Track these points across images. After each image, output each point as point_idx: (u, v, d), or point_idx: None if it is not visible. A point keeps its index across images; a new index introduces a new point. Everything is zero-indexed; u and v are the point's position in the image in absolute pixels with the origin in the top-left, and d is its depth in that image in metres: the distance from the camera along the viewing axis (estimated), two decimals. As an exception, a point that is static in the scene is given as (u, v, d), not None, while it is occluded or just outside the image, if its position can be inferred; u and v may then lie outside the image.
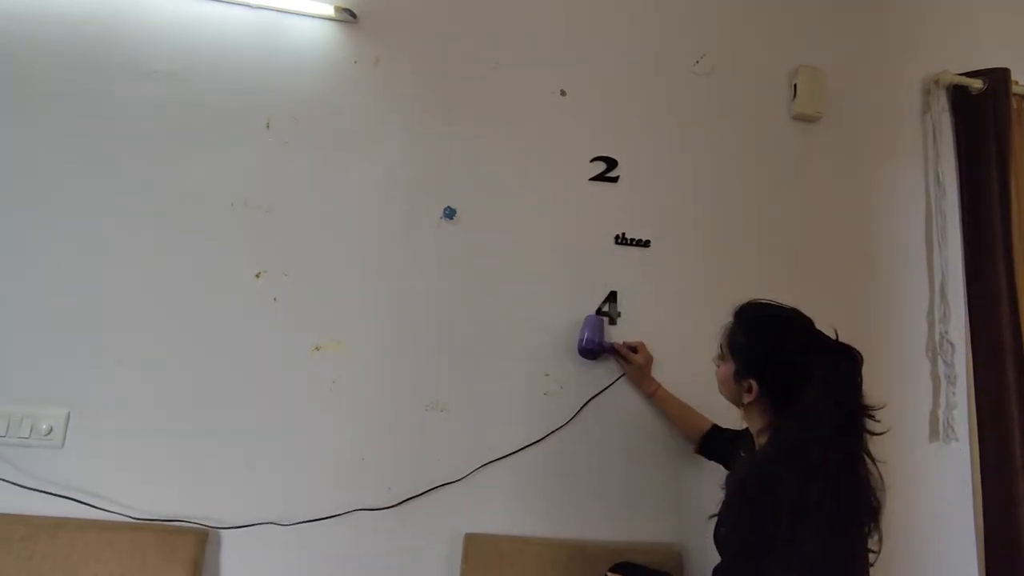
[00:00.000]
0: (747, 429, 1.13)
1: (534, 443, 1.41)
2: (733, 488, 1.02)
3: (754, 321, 1.06)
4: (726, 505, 1.02)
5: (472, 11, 1.56)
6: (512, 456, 1.40)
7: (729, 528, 0.98)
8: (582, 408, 1.43)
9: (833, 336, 1.00)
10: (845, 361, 0.95)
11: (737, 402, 1.07)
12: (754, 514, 0.92)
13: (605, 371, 1.46)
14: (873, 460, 0.93)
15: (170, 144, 1.41)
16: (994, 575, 1.50)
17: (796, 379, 0.94)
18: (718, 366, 1.11)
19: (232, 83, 1.44)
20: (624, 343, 1.43)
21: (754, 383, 1.01)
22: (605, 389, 1.45)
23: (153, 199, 1.39)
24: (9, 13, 1.39)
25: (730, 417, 1.38)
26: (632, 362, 1.41)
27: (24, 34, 1.39)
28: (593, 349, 1.41)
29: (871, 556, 0.93)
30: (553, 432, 1.42)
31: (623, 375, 1.46)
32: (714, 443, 1.34)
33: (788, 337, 1.01)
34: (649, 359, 1.44)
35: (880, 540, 0.92)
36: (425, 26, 1.54)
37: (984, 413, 1.57)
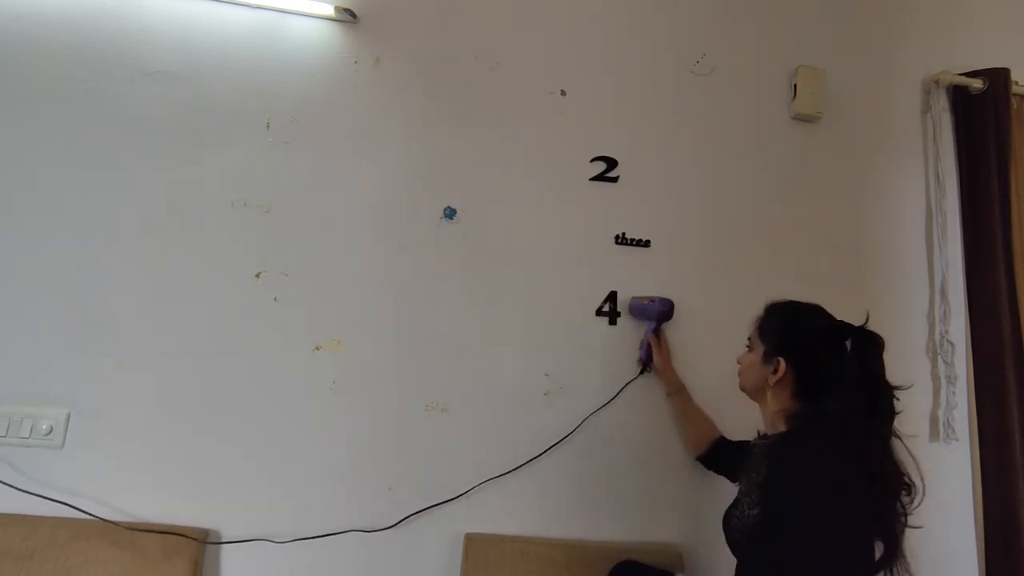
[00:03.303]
0: (747, 441, 1.14)
1: (537, 456, 1.41)
2: (770, 466, 0.99)
3: (784, 309, 1.11)
4: (756, 487, 1.00)
5: (472, 11, 1.56)
6: (512, 458, 1.40)
7: (765, 509, 0.96)
8: (584, 421, 1.43)
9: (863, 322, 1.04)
10: (872, 344, 0.99)
11: (759, 387, 1.09)
12: (794, 492, 0.91)
13: (605, 372, 1.46)
14: (900, 438, 0.98)
15: (170, 144, 1.41)
16: (994, 575, 1.50)
17: (827, 359, 1.00)
18: (741, 362, 1.15)
19: (232, 83, 1.44)
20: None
21: (783, 361, 1.04)
22: (607, 403, 1.44)
23: (153, 199, 1.39)
24: (9, 13, 1.39)
25: (729, 418, 1.39)
26: (661, 349, 1.43)
27: (24, 34, 1.39)
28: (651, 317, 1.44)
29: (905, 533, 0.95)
30: (557, 444, 1.41)
31: (631, 380, 1.46)
32: (718, 453, 1.34)
33: (818, 321, 1.06)
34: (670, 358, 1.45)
35: (906, 515, 0.95)
36: (425, 26, 1.54)
37: (984, 413, 1.57)
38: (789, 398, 1.04)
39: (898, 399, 0.99)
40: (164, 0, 1.45)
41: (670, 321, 1.44)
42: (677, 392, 1.43)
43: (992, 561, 1.51)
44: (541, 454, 1.40)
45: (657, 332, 1.44)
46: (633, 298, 1.47)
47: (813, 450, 0.94)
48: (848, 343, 1.00)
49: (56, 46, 1.40)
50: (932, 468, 1.53)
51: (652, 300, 1.42)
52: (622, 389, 1.45)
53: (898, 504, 0.95)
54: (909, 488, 0.97)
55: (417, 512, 1.35)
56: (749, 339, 1.16)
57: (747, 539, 1.00)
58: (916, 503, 0.97)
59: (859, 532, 0.90)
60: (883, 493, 0.94)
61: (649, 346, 1.43)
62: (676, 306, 1.41)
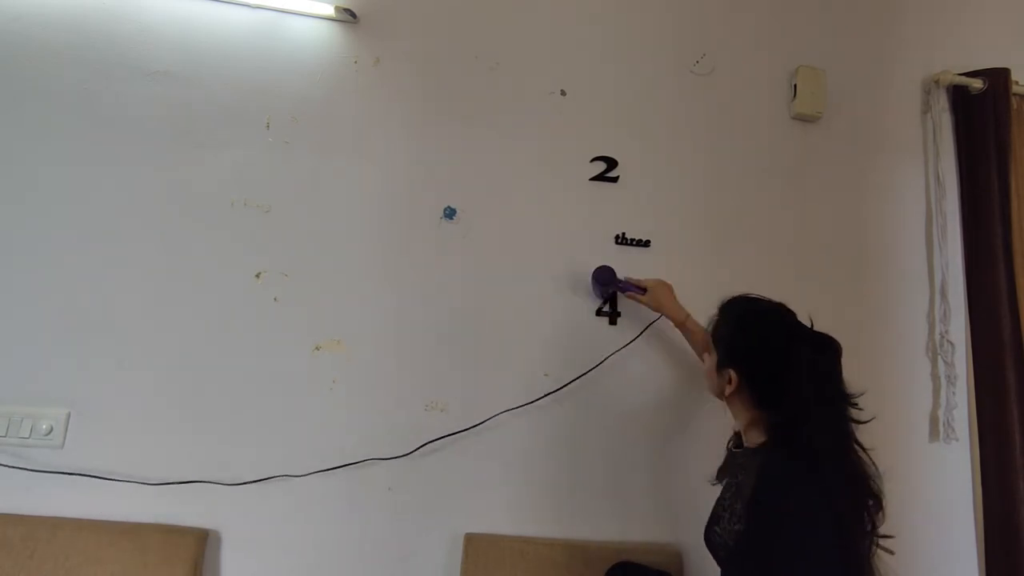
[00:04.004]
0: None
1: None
2: (759, 487, 0.95)
3: (736, 313, 1.07)
4: (741, 501, 0.98)
5: (472, 11, 1.56)
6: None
7: (750, 528, 0.93)
8: (574, 380, 1.42)
9: (809, 325, 1.00)
10: (826, 350, 0.95)
11: (720, 394, 1.06)
12: (773, 524, 0.89)
13: (606, 372, 1.46)
14: (864, 449, 0.93)
15: (170, 144, 1.41)
16: (994, 575, 1.50)
17: (777, 368, 0.95)
18: (705, 361, 1.11)
19: (232, 83, 1.44)
20: (632, 282, 1.41)
21: (734, 373, 1.00)
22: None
23: (153, 199, 1.39)
24: (9, 13, 1.39)
25: (719, 420, 1.39)
26: (641, 302, 1.40)
27: (24, 34, 1.39)
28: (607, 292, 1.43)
29: (886, 542, 0.93)
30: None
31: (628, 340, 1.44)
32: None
33: (769, 328, 1.01)
34: (663, 291, 1.38)
35: (875, 529, 0.92)
36: (425, 26, 1.54)
37: (984, 413, 1.57)
38: (751, 408, 1.00)
39: (860, 408, 0.95)
40: (164, 0, 1.45)
41: (669, 321, 1.44)
42: (683, 323, 1.36)
43: (992, 561, 1.51)
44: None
45: (624, 289, 1.42)
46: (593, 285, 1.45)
47: (801, 477, 0.89)
48: (803, 349, 0.94)
49: (56, 46, 1.40)
50: (932, 468, 1.55)
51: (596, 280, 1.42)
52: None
53: (866, 524, 0.91)
54: (878, 499, 0.92)
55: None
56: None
57: (729, 554, 0.97)
58: (882, 518, 0.93)
59: (849, 560, 0.87)
60: (852, 505, 0.90)
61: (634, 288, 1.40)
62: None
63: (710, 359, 1.08)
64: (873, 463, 0.93)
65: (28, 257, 1.33)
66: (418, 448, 1.37)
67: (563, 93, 1.56)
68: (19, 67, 1.38)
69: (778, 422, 0.96)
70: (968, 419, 1.59)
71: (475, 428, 1.40)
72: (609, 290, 1.45)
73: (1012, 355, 1.55)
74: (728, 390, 1.01)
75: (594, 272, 1.41)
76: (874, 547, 0.92)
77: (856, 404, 0.95)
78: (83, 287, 1.34)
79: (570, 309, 1.48)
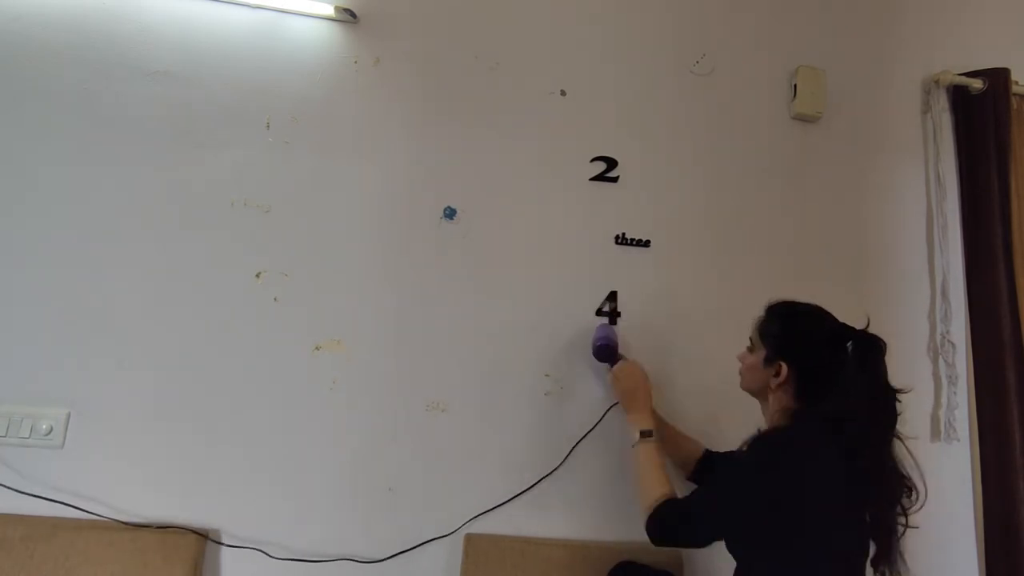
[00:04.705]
0: (734, 451, 1.16)
1: (537, 483, 1.41)
2: (748, 447, 1.01)
3: (786, 312, 1.12)
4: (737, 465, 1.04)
5: (472, 11, 1.56)
6: (512, 458, 1.41)
7: (747, 496, 0.96)
8: (575, 447, 1.41)
9: (865, 324, 1.06)
10: (874, 348, 1.01)
11: (761, 389, 1.10)
12: (779, 483, 0.93)
13: (604, 374, 1.46)
14: (905, 444, 1.00)
15: (170, 144, 1.41)
16: (994, 575, 1.50)
17: (829, 363, 1.01)
18: (742, 361, 1.16)
19: (232, 83, 1.44)
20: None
21: (785, 365, 1.05)
22: (593, 427, 1.41)
23: (153, 199, 1.39)
24: (9, 13, 1.39)
25: (729, 418, 1.39)
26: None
27: (24, 34, 1.39)
28: (609, 346, 1.35)
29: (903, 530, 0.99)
30: (548, 474, 1.40)
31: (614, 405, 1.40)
32: (706, 467, 1.31)
33: (821, 324, 1.07)
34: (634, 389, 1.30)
35: (906, 518, 0.98)
36: (425, 26, 1.54)
37: (985, 413, 1.57)
38: (791, 398, 1.05)
39: (900, 401, 1.00)
40: (164, 0, 1.45)
41: (669, 321, 1.43)
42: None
43: (992, 561, 1.51)
44: (535, 484, 1.40)
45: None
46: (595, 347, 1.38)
47: (793, 432, 0.99)
48: (849, 346, 1.01)
49: (56, 46, 1.40)
50: (933, 468, 1.53)
51: (602, 337, 1.36)
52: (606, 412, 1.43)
53: (898, 506, 0.97)
54: (910, 491, 0.98)
55: (411, 548, 1.34)
56: (750, 339, 1.16)
57: (733, 532, 1.02)
58: (918, 506, 0.99)
59: (813, 519, 0.92)
60: (879, 495, 0.96)
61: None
62: (676, 306, 1.41)
63: (754, 356, 1.12)
64: (911, 454, 1.00)
65: (28, 257, 1.33)
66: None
67: (563, 93, 1.56)
68: (19, 67, 1.38)
69: (806, 412, 1.01)
70: (968, 419, 1.59)
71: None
72: (611, 345, 1.37)
73: (1012, 355, 1.55)
74: (775, 382, 1.05)
75: (596, 347, 1.37)
76: (902, 533, 0.97)
77: (899, 400, 1.00)
78: (83, 287, 1.34)
79: (570, 309, 1.48)
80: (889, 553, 0.96)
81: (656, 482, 1.08)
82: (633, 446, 1.17)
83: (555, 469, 1.40)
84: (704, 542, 1.03)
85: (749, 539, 0.99)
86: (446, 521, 1.36)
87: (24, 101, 1.38)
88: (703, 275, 1.54)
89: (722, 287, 1.53)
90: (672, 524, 1.02)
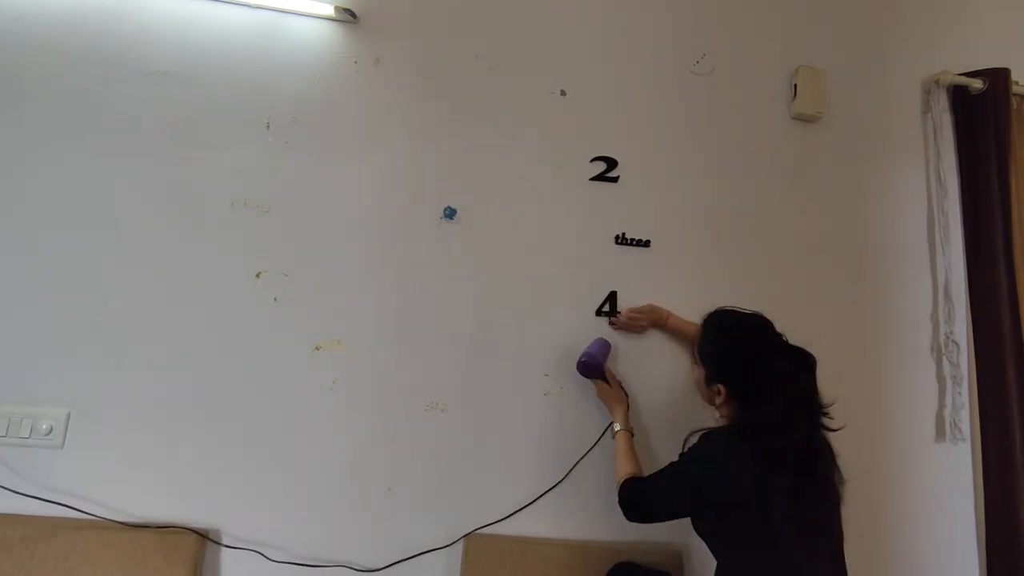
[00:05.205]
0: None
1: (537, 498, 1.41)
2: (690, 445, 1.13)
3: (719, 329, 1.17)
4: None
5: (472, 11, 1.56)
6: (512, 458, 1.41)
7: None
8: (573, 467, 1.41)
9: (784, 339, 1.12)
10: (801, 364, 1.06)
11: (711, 403, 1.16)
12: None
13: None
14: (833, 454, 1.07)
15: (170, 144, 1.41)
16: (996, 574, 1.50)
17: (758, 380, 1.06)
18: (691, 375, 1.24)
19: (232, 83, 1.45)
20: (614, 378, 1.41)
21: (722, 387, 1.11)
22: (593, 446, 1.42)
23: (153, 199, 1.39)
24: (9, 13, 1.39)
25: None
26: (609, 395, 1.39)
27: (24, 34, 1.39)
28: (591, 364, 1.35)
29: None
30: (548, 491, 1.40)
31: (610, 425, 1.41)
32: None
33: (749, 343, 1.12)
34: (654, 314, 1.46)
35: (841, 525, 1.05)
36: (425, 26, 1.54)
37: (986, 412, 1.57)
38: (735, 411, 1.12)
39: (830, 416, 1.05)
40: (164, 0, 1.45)
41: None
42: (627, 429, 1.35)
43: (994, 561, 1.51)
44: (535, 499, 1.41)
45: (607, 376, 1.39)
46: (581, 360, 1.37)
47: (715, 435, 1.08)
48: (780, 363, 1.05)
49: (56, 46, 1.40)
50: (936, 468, 1.55)
51: (586, 354, 1.36)
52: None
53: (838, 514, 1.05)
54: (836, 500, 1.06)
55: (405, 559, 1.34)
56: (693, 353, 1.22)
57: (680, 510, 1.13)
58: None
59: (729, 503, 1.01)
60: (812, 503, 1.02)
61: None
62: (676, 307, 1.41)
63: (698, 372, 1.19)
64: (840, 471, 1.07)
65: (28, 257, 1.33)
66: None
67: (563, 93, 1.56)
68: (19, 67, 1.38)
69: (746, 423, 1.07)
70: (970, 418, 1.58)
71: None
72: (595, 363, 1.36)
73: (1013, 354, 1.55)
74: (718, 400, 1.13)
75: (586, 357, 1.36)
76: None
77: (828, 414, 1.05)
78: (83, 287, 1.34)
79: (570, 309, 1.48)
80: (835, 557, 1.04)
81: (624, 464, 1.25)
82: (612, 437, 1.34)
83: (558, 483, 1.41)
84: (660, 515, 1.14)
85: (697, 525, 1.12)
86: (446, 521, 1.36)
87: (24, 101, 1.38)
88: (703, 275, 1.54)
89: (722, 287, 1.53)
90: (633, 499, 1.17)
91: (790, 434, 1.00)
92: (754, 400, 1.06)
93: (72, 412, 1.30)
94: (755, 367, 1.07)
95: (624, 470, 1.24)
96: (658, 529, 1.41)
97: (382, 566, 1.33)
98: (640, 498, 1.16)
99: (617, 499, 1.20)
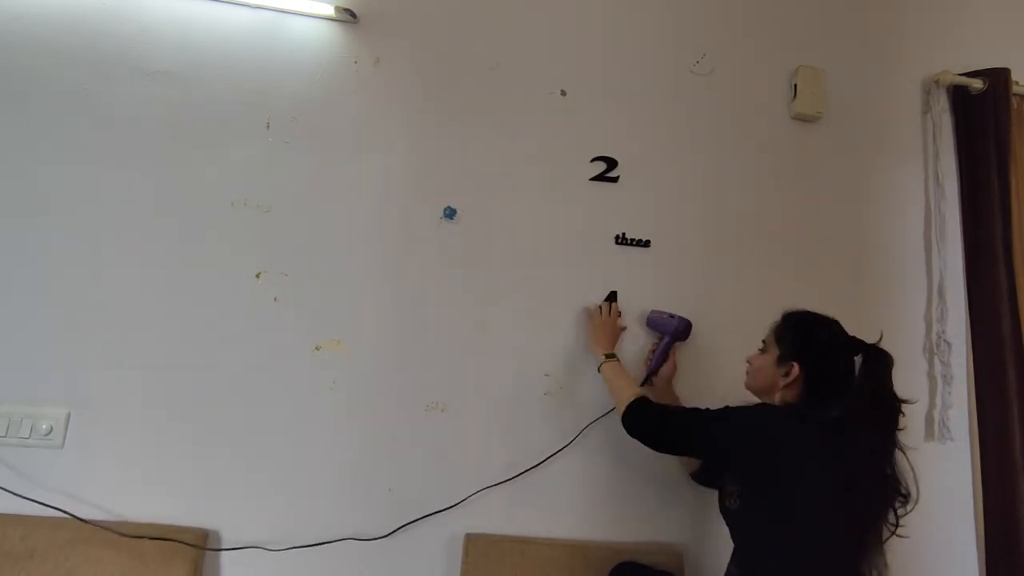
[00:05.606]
0: None
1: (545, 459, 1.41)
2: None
3: (803, 319, 1.17)
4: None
5: (472, 11, 1.56)
6: (512, 458, 1.41)
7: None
8: (583, 430, 1.42)
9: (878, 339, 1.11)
10: (882, 361, 1.07)
11: (768, 387, 1.15)
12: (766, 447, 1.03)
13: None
14: (904, 452, 1.03)
15: (170, 144, 1.41)
16: (994, 575, 1.50)
17: (838, 369, 1.08)
18: (752, 363, 1.22)
19: (232, 83, 1.44)
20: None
21: (797, 366, 1.10)
22: (602, 416, 1.43)
23: (153, 199, 1.39)
24: (9, 13, 1.39)
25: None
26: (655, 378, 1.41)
27: (24, 34, 1.39)
28: (674, 327, 1.40)
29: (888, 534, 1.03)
30: (556, 453, 1.41)
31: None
32: (709, 467, 1.34)
33: (833, 334, 1.13)
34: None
35: (897, 524, 1.02)
36: (425, 26, 1.54)
37: (984, 412, 1.57)
38: (797, 398, 1.11)
39: (903, 414, 1.03)
40: (164, 0, 1.45)
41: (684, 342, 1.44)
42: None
43: (992, 561, 1.51)
44: (552, 454, 1.40)
45: (669, 348, 1.42)
46: (653, 311, 1.46)
47: (783, 410, 1.07)
48: (859, 357, 1.07)
49: (56, 46, 1.40)
50: (931, 468, 1.55)
51: (672, 316, 1.42)
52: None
53: (890, 512, 1.01)
54: (905, 498, 1.02)
55: (414, 520, 1.34)
56: (764, 341, 1.20)
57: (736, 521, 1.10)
58: (909, 509, 1.02)
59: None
60: (871, 499, 1.00)
61: (660, 358, 1.41)
62: (676, 306, 1.41)
63: (766, 356, 1.18)
64: (911, 467, 1.03)
65: (28, 257, 1.33)
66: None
67: (563, 93, 1.56)
68: (19, 67, 1.38)
69: (826, 416, 1.04)
70: (968, 418, 1.59)
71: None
72: (668, 339, 1.41)
73: (1012, 354, 1.55)
74: (784, 381, 1.11)
75: (679, 320, 1.41)
76: (886, 538, 1.01)
77: (902, 411, 1.04)
78: (83, 287, 1.34)
79: (570, 309, 1.48)
80: (874, 555, 1.01)
81: (627, 386, 1.23)
82: (599, 369, 1.33)
83: (554, 469, 1.40)
84: (666, 443, 1.16)
85: (726, 501, 1.10)
86: (446, 521, 1.35)
87: (24, 101, 1.37)
88: (703, 275, 1.54)
89: (722, 287, 1.53)
90: (643, 419, 1.15)
91: (873, 429, 1.00)
92: (826, 389, 1.07)
93: (72, 412, 1.30)
94: (837, 355, 1.09)
95: (628, 391, 1.21)
96: (658, 529, 1.42)
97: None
98: (654, 419, 1.15)
99: (622, 418, 1.18)
